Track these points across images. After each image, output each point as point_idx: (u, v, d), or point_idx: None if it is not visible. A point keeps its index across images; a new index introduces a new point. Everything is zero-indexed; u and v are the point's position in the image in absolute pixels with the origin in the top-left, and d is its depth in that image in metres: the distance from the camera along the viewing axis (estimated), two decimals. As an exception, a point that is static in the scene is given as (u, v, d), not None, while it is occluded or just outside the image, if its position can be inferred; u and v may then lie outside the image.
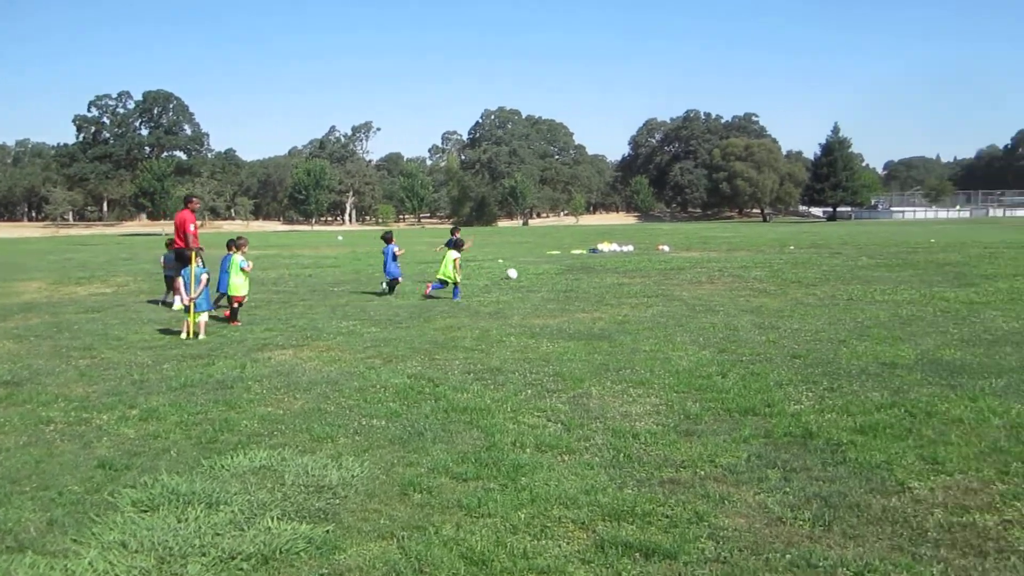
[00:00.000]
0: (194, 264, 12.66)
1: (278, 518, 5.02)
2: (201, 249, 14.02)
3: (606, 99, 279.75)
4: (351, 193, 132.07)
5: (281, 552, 4.55)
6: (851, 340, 10.78)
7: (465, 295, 16.67)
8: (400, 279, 17.58)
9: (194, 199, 15.62)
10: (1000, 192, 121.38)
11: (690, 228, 72.91)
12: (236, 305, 13.61)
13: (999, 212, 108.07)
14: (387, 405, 7.71)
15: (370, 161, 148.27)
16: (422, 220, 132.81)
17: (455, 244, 17.06)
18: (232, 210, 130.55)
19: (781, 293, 16.49)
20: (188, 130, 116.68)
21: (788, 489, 5.37)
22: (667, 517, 4.93)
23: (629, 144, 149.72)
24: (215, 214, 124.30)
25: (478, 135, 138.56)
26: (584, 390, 8.17)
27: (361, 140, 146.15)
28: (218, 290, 14.57)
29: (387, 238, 17.64)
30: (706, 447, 6.24)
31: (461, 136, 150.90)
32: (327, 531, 4.82)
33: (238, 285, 13.49)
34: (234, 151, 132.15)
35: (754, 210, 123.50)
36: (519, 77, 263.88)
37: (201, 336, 11.88)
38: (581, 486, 5.45)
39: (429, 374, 9.05)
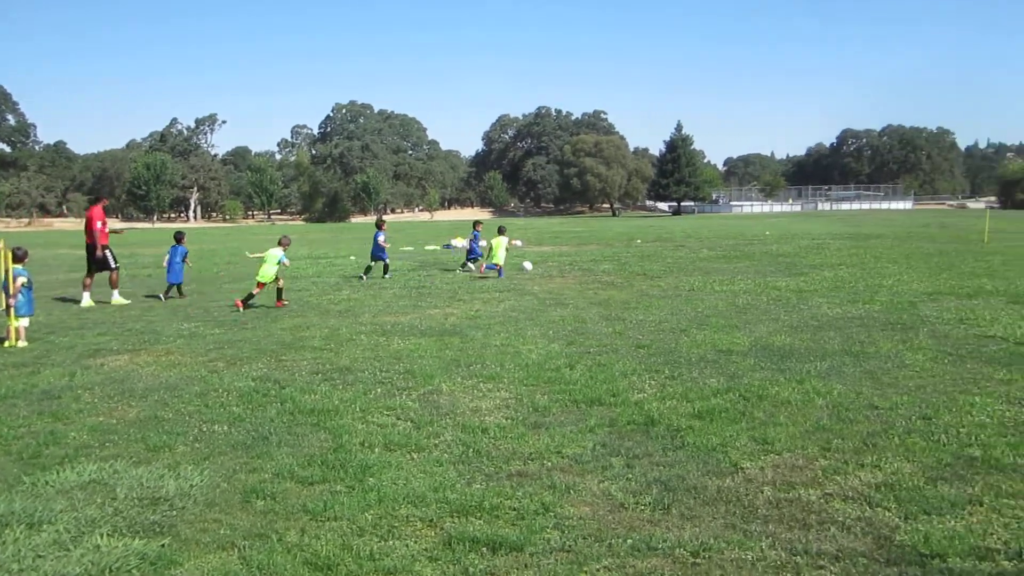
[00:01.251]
0: (9, 266, 11.66)
1: (108, 535, 4.73)
2: (107, 246, 15.19)
3: (459, 95, 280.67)
4: (195, 189, 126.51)
5: (111, 571, 4.29)
6: (691, 329, 11.26)
7: (314, 293, 16.33)
8: (387, 260, 19.56)
9: (105, 198, 17.16)
10: (827, 187, 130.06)
11: (543, 223, 74.21)
12: (257, 291, 14.60)
13: (827, 206, 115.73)
14: (230, 410, 7.42)
15: (216, 155, 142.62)
16: (272, 216, 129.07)
17: (501, 230, 20.42)
18: (64, 207, 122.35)
19: (628, 285, 17.04)
20: (12, 120, 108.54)
21: (631, 475, 5.54)
22: (514, 510, 4.98)
23: (483, 140, 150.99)
24: (44, 211, 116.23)
25: (329, 129, 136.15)
26: (435, 387, 8.16)
27: (205, 133, 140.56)
28: (168, 282, 16.08)
29: (379, 224, 19.80)
30: (553, 438, 6.35)
31: (311, 130, 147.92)
32: (162, 545, 4.58)
33: (267, 273, 14.63)
34: (65, 144, 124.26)
35: (604, 205, 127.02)
36: (370, 71, 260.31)
37: (22, 343, 11.04)
38: (430, 483, 5.43)
39: (275, 376, 8.78)
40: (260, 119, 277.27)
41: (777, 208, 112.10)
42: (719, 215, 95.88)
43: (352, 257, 27.07)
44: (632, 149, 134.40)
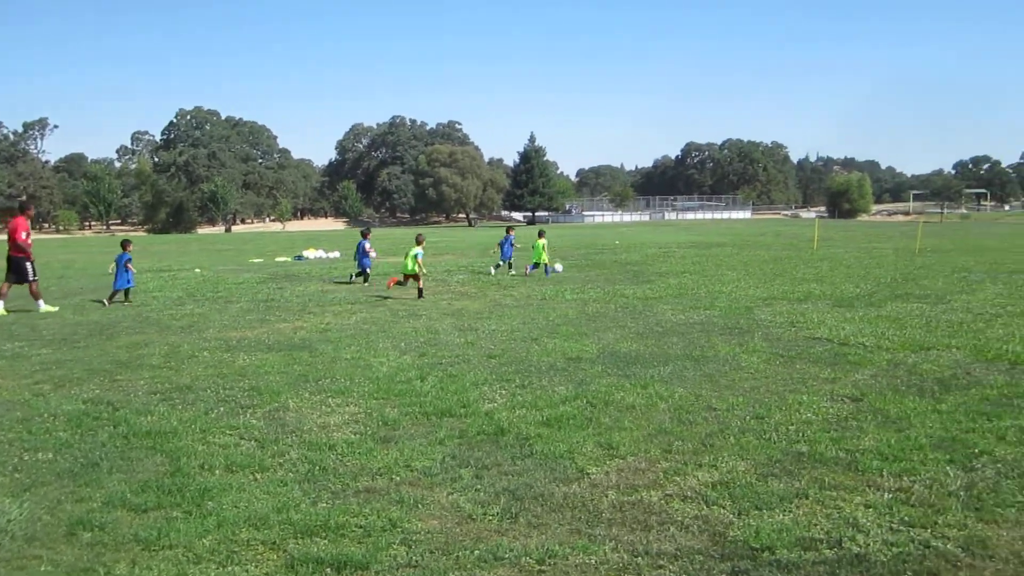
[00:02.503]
0: None
1: (-92, 579, 4.32)
2: (29, 258, 15.08)
3: (311, 103, 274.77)
4: (24, 197, 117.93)
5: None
6: (543, 338, 11.44)
7: (155, 308, 15.55)
8: (368, 271, 20.57)
9: (31, 207, 16.85)
10: (673, 198, 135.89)
11: (398, 233, 73.61)
12: (403, 280, 17.48)
13: (673, 215, 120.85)
14: (56, 435, 6.93)
15: (47, 162, 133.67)
16: (111, 227, 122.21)
17: (541, 234, 22.11)
18: None
19: (481, 295, 17.14)
20: None
21: (479, 486, 5.55)
22: (361, 527, 4.89)
23: (336, 149, 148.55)
24: None
25: (173, 136, 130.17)
26: (281, 403, 7.91)
27: (35, 138, 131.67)
28: (114, 287, 16.42)
29: (364, 233, 21.48)
30: (403, 452, 6.29)
31: (153, 137, 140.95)
32: (-28, 587, 4.22)
33: (409, 267, 16.89)
34: None
35: (460, 215, 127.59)
36: (217, 77, 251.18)
37: None
38: (273, 504, 5.25)
39: (108, 397, 8.28)
40: (96, 124, 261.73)
41: (627, 218, 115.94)
42: (572, 225, 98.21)
43: (198, 270, 25.93)
44: (487, 160, 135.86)
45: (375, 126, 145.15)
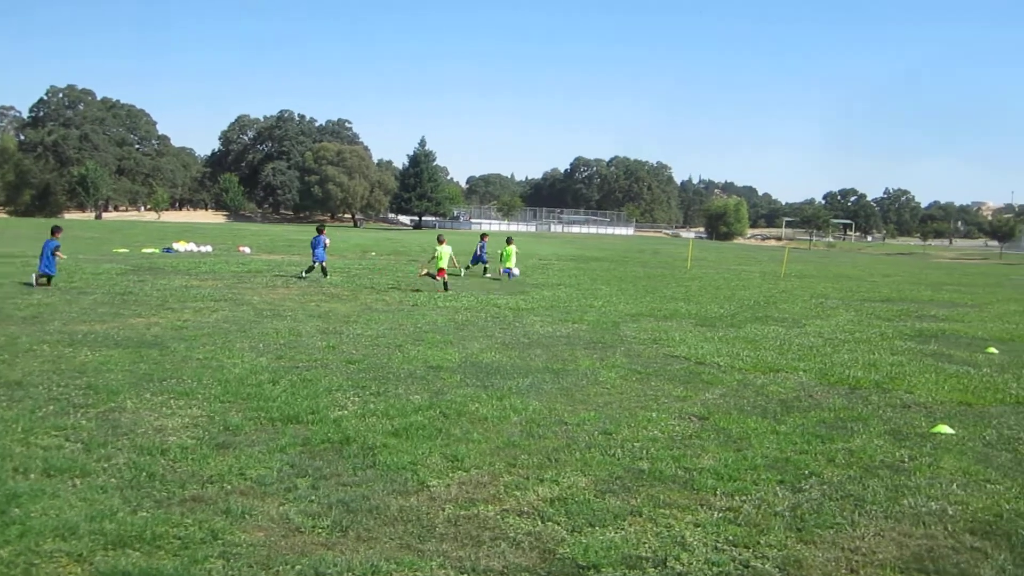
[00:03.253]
0: None
1: None
2: None
3: (194, 90, 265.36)
4: None
5: None
6: (407, 345, 11.30)
7: (-1, 296, 14.56)
8: (324, 263, 21.66)
9: None
10: (560, 210, 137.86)
11: (278, 230, 71.90)
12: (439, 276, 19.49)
13: (559, 228, 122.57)
14: None
15: None
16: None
17: (509, 240, 24.59)
18: None
19: (353, 298, 16.84)
20: None
21: (314, 497, 5.38)
22: (179, 539, 4.64)
23: (220, 139, 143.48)
24: None
25: (42, 114, 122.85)
26: (118, 404, 7.49)
27: None
28: (40, 272, 16.72)
29: (319, 229, 22.44)
30: (239, 459, 6.04)
31: (20, 113, 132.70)
32: None
33: (444, 263, 19.53)
34: None
35: (346, 215, 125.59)
36: (94, 55, 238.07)
37: None
38: (87, 513, 4.93)
39: (-76, 391, 7.65)
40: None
41: (514, 227, 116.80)
42: (459, 231, 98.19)
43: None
44: (376, 161, 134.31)
45: (262, 119, 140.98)
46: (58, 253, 17.14)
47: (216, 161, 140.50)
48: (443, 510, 5.28)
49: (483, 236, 26.40)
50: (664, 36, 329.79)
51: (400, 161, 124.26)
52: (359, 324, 13.09)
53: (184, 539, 4.64)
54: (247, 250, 32.90)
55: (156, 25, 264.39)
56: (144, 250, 30.94)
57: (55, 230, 18.07)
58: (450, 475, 5.94)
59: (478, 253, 25.17)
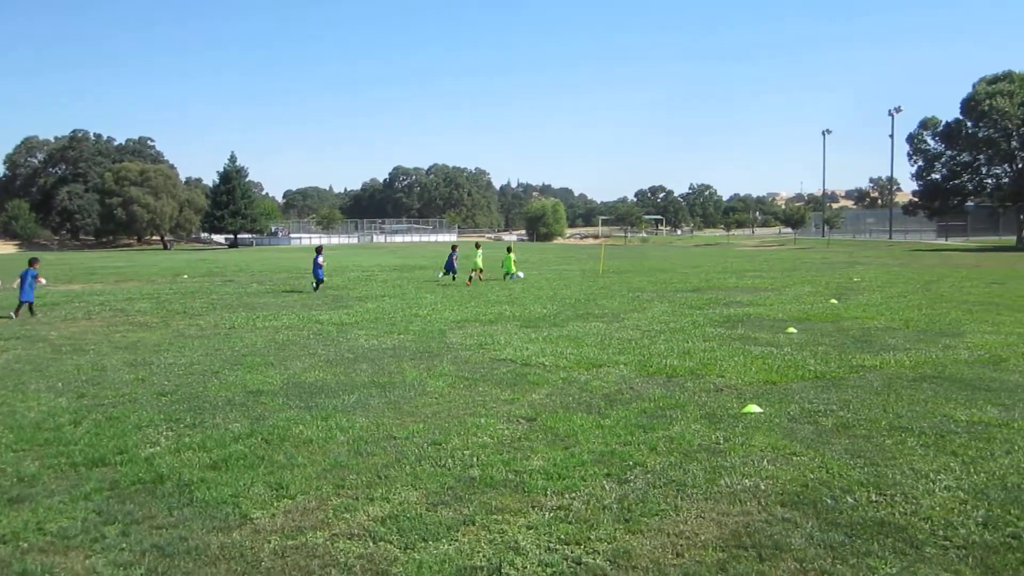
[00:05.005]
0: None
1: None
2: None
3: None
4: None
5: None
6: (224, 370, 10.78)
7: None
8: (323, 280, 24.43)
9: None
10: (381, 220, 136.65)
11: (78, 258, 66.99)
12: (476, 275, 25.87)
13: (382, 238, 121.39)
14: None
15: None
16: None
17: (509, 249, 29.73)
18: None
19: (163, 325, 15.91)
20: None
21: (125, 545, 5.00)
22: (-35, 611, 4.17)
23: (5, 164, 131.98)
24: None
25: None
26: None
27: None
28: (20, 300, 17.75)
29: (318, 249, 24.65)
30: (36, 513, 5.52)
31: None
32: None
33: (478, 264, 27.25)
34: None
35: (155, 237, 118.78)
36: None
37: None
38: None
39: None
40: None
41: (336, 240, 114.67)
42: (277, 247, 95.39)
43: None
44: (184, 179, 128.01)
45: (52, 140, 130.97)
46: (40, 279, 18.56)
47: (2, 187, 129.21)
48: (268, 542, 5.03)
49: (454, 247, 30.38)
50: (473, 40, 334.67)
51: (210, 179, 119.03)
52: (171, 352, 12.36)
53: (-29, 610, 4.18)
54: (43, 281, 30.28)
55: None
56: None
57: (33, 261, 19.06)
58: (275, 504, 5.68)
59: (451, 262, 28.25)
